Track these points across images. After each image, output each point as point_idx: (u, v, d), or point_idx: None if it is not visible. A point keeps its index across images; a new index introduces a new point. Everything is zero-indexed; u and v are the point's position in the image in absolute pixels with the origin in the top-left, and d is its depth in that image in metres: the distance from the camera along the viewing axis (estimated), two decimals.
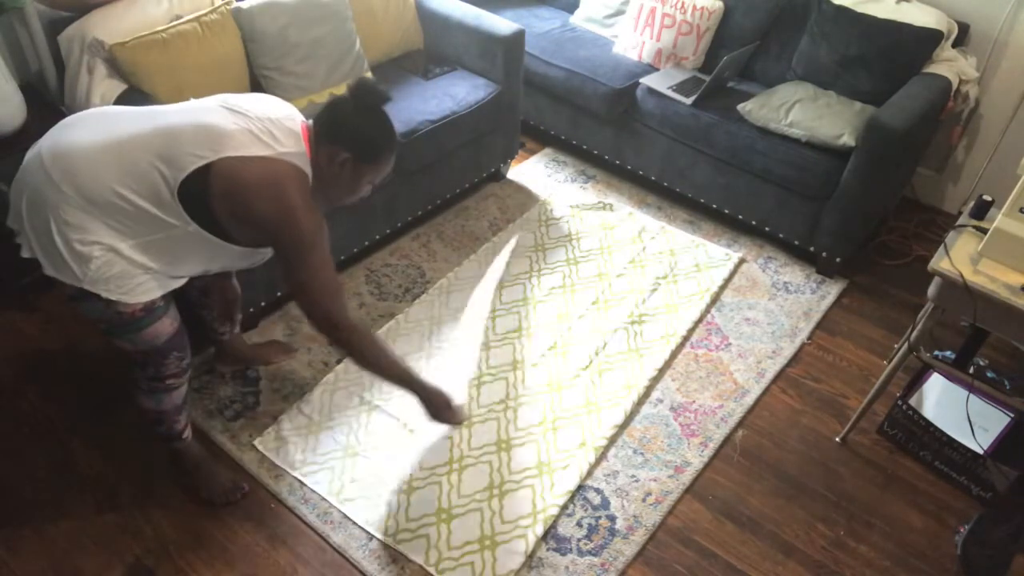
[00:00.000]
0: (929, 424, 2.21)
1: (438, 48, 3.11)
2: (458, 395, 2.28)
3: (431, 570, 1.89)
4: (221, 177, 1.58)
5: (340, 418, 2.25)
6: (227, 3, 2.47)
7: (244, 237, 1.69)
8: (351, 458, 2.14)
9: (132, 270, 1.62)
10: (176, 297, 1.81)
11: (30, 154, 1.63)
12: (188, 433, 2.00)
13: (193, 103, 1.72)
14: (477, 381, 2.38)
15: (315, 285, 1.70)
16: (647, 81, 3.09)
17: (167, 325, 1.75)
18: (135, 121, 1.65)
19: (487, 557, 1.92)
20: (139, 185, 1.57)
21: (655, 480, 2.16)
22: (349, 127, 1.68)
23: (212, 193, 1.59)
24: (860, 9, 2.88)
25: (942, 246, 1.96)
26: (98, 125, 1.64)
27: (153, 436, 1.98)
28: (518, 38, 2.94)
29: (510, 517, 2.02)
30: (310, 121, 1.73)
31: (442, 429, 2.19)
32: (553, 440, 2.22)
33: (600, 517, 2.06)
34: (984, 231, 1.98)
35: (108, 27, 2.29)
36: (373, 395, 2.31)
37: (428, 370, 2.38)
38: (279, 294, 2.53)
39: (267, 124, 1.65)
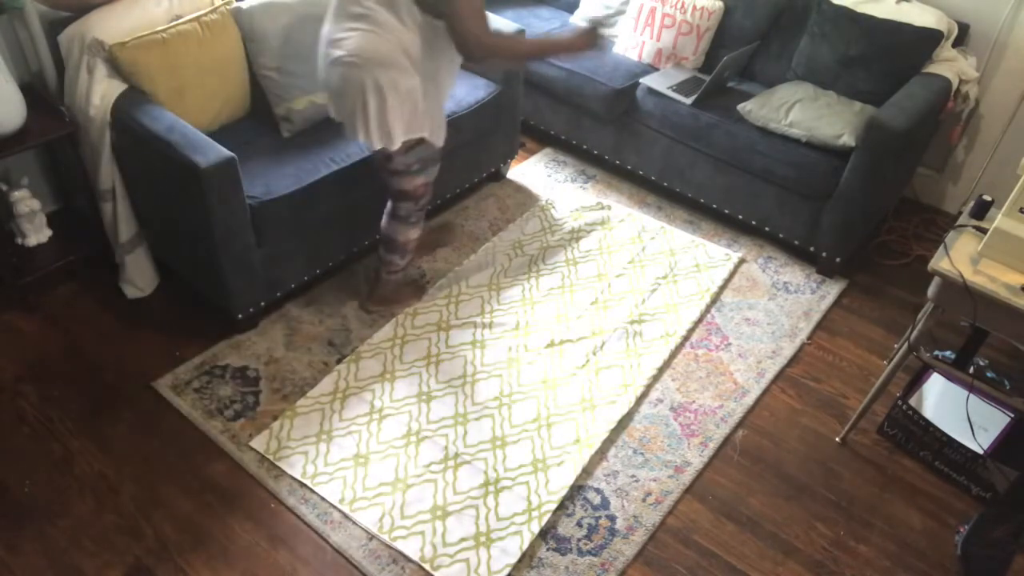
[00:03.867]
0: (929, 424, 2.21)
1: None
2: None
3: (426, 567, 1.90)
4: None
5: (342, 419, 2.26)
6: (227, 3, 2.47)
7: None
8: (352, 458, 2.14)
9: (437, 117, 2.22)
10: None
11: (322, 65, 2.15)
12: None
13: None
14: (472, 379, 2.38)
15: (465, 10, 2.00)
16: (647, 81, 3.09)
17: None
18: None
19: (482, 554, 1.93)
20: None
21: (655, 480, 2.16)
22: None
23: None
24: (860, 9, 2.88)
25: (942, 246, 1.96)
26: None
27: (390, 269, 2.53)
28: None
29: (505, 514, 2.02)
30: None
31: (439, 430, 2.21)
32: (548, 437, 2.23)
33: (600, 517, 2.06)
34: (984, 231, 1.98)
35: (108, 27, 2.29)
36: (381, 401, 2.31)
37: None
38: (278, 295, 2.53)
39: None
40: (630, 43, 3.29)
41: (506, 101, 3.02)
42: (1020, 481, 2.03)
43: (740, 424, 2.35)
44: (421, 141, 2.23)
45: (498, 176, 3.33)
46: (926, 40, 2.81)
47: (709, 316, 2.72)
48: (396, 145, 2.16)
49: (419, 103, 2.16)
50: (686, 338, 2.62)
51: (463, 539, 1.96)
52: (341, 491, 2.05)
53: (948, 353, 2.50)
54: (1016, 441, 2.16)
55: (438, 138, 2.30)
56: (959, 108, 2.95)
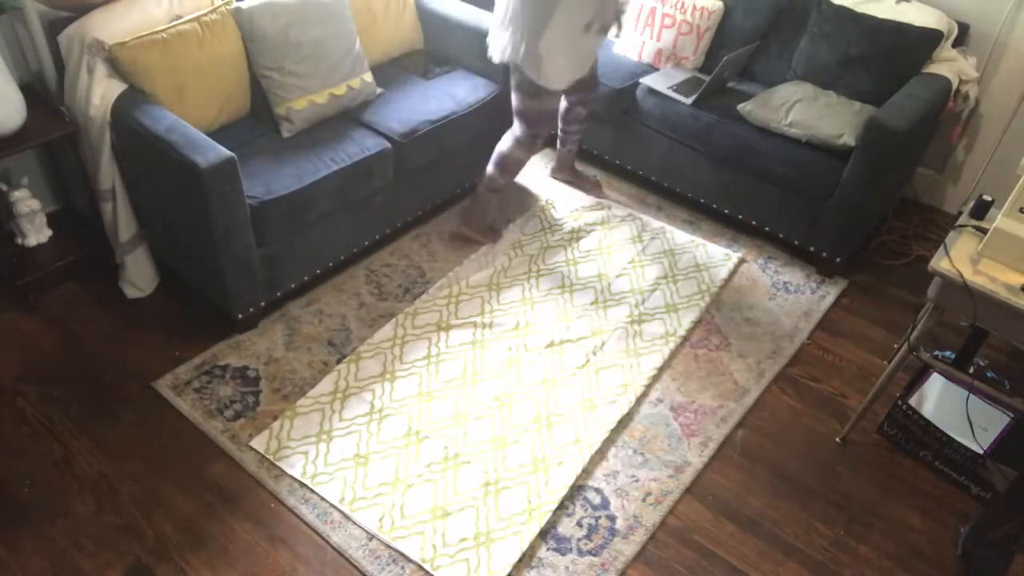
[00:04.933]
0: (929, 424, 2.21)
1: (438, 48, 3.11)
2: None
3: (426, 566, 1.90)
4: None
5: (342, 419, 2.25)
6: (227, 3, 2.47)
7: None
8: (352, 458, 2.14)
9: (551, 64, 2.48)
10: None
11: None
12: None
13: None
14: (472, 379, 2.38)
15: None
16: (647, 81, 3.09)
17: (559, 102, 2.78)
18: None
19: (482, 554, 1.93)
20: None
21: (655, 480, 2.16)
22: None
23: None
24: (860, 9, 2.88)
25: (942, 246, 1.96)
26: None
27: (489, 185, 2.83)
28: None
29: (505, 514, 2.02)
30: None
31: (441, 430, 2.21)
32: (548, 437, 2.23)
33: (600, 517, 2.06)
34: (984, 231, 1.98)
35: (108, 27, 2.29)
36: (381, 401, 2.31)
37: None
38: (278, 295, 2.53)
39: None
40: (630, 43, 3.29)
41: (506, 101, 3.01)
42: (1020, 481, 2.03)
43: (740, 424, 2.35)
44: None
45: None
46: (926, 40, 2.81)
47: (709, 316, 2.72)
48: (508, 59, 2.54)
49: (535, 41, 2.43)
50: (686, 338, 2.62)
51: (463, 539, 1.96)
52: (341, 491, 2.06)
53: (948, 353, 2.50)
54: (1016, 441, 2.16)
55: (549, 82, 2.54)
56: (959, 108, 2.95)
